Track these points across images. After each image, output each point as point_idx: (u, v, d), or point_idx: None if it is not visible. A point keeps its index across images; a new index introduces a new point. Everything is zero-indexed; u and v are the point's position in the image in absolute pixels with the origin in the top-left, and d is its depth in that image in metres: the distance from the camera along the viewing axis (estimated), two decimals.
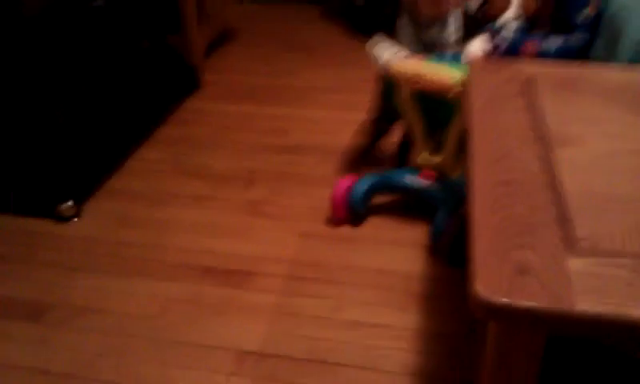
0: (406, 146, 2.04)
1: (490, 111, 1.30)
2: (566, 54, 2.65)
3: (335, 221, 1.92)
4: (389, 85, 1.82)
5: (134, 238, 1.89)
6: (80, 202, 2.01)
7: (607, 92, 1.39)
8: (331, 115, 2.58)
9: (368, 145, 2.16)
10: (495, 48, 1.90)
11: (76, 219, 1.98)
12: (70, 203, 1.96)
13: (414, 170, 1.88)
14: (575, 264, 0.83)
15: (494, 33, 2.73)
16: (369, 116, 2.12)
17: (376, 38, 1.82)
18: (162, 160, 2.31)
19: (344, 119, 2.46)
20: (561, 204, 0.97)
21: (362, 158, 2.19)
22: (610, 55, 2.56)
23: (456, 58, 1.79)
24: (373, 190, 1.91)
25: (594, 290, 0.79)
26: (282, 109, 2.69)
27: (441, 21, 1.81)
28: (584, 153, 1.12)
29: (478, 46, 1.84)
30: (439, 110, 1.78)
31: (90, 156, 2.14)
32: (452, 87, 1.64)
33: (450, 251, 1.70)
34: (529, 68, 1.48)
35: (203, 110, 2.69)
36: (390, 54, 1.76)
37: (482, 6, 2.99)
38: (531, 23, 2.93)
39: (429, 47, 1.82)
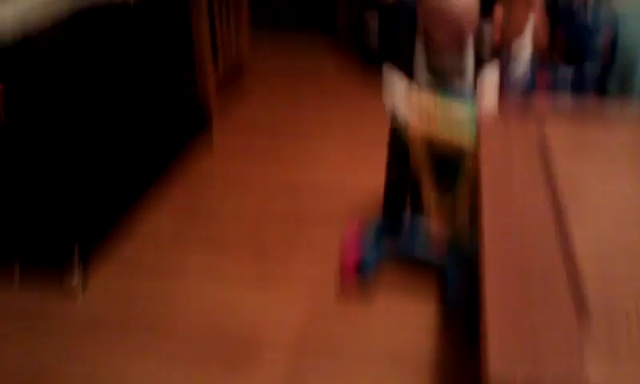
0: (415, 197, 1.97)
1: (502, 178, 1.22)
2: (580, 84, 2.62)
3: (345, 291, 1.86)
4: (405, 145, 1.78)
5: (140, 313, 1.81)
6: (86, 269, 1.94)
7: (623, 157, 1.32)
8: (341, 151, 2.56)
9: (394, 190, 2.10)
10: (509, 80, 1.86)
11: (81, 295, 1.89)
12: (76, 279, 1.89)
13: (424, 238, 1.83)
14: (589, 343, 0.80)
15: (509, 61, 2.71)
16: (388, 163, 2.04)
17: (387, 71, 1.77)
18: (170, 228, 2.21)
19: (355, 155, 2.44)
20: (579, 293, 0.92)
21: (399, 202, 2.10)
22: (625, 86, 2.52)
23: (468, 97, 1.75)
24: (382, 259, 1.88)
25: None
26: (291, 145, 2.67)
27: (456, 50, 1.77)
28: (605, 229, 1.06)
29: (489, 76, 1.79)
30: (453, 173, 1.73)
31: (94, 217, 2.06)
32: (466, 150, 1.60)
33: (467, 323, 1.65)
34: (539, 130, 1.40)
35: (211, 151, 2.67)
36: (400, 92, 1.72)
37: (495, 34, 2.96)
38: (544, 52, 2.90)
39: (443, 76, 1.78)
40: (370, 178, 2.18)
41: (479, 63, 1.80)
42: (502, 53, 2.74)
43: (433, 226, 1.81)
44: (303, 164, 2.52)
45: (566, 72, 2.61)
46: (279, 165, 2.52)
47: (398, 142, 1.81)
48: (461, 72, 1.78)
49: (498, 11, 2.94)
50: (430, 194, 1.79)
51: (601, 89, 2.68)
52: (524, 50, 2.79)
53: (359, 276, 1.83)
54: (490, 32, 2.94)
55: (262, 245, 2.06)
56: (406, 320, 1.74)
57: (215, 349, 1.67)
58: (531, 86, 2.62)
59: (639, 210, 1.12)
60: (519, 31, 2.83)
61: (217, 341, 1.70)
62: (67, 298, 1.86)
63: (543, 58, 2.87)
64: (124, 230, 2.14)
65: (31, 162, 1.90)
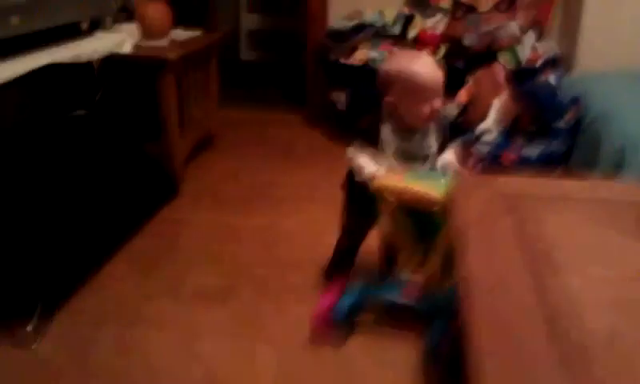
0: (389, 257, 1.97)
1: (478, 234, 1.25)
2: (546, 161, 2.67)
3: (318, 340, 1.82)
4: (367, 196, 1.78)
5: (98, 366, 1.76)
6: (40, 323, 1.88)
7: (594, 210, 1.36)
8: (313, 226, 2.53)
9: (345, 258, 2.09)
10: (475, 156, 1.87)
11: (35, 345, 1.83)
12: (29, 329, 1.83)
13: (397, 285, 1.80)
14: None
15: (474, 141, 2.75)
16: (342, 224, 2.05)
17: (354, 147, 1.79)
18: (131, 277, 2.19)
19: (326, 230, 2.40)
20: (560, 345, 0.90)
21: (342, 268, 2.11)
22: (590, 162, 2.57)
23: (435, 172, 1.77)
24: (356, 308, 1.83)
25: None
26: (262, 219, 2.64)
27: (423, 130, 1.79)
28: (580, 283, 1.07)
29: (450, 156, 1.82)
30: (424, 224, 1.73)
31: (54, 272, 2.01)
32: (437, 201, 1.61)
33: (449, 369, 1.60)
34: (512, 185, 1.45)
35: (179, 220, 2.62)
36: (371, 166, 1.73)
37: (460, 113, 3.04)
38: (510, 130, 2.96)
39: (410, 157, 1.79)
40: None
41: (445, 143, 1.83)
42: (467, 133, 2.80)
43: (407, 274, 1.80)
44: (276, 239, 2.48)
45: (532, 150, 2.66)
46: (248, 236, 2.49)
47: (359, 200, 1.82)
48: (429, 155, 1.81)
49: (463, 93, 3.03)
50: (401, 242, 1.78)
51: (565, 167, 2.73)
52: (488, 130, 2.85)
53: (334, 322, 1.81)
54: (456, 110, 3.01)
55: (232, 317, 1.98)
56: (386, 368, 1.73)
57: None
58: (497, 164, 2.66)
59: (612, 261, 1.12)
60: (484, 112, 2.91)
61: None
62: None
63: (510, 134, 2.93)
64: (82, 281, 2.11)
65: None
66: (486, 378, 0.82)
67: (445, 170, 1.76)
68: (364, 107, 2.11)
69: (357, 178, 1.76)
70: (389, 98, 1.75)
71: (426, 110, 1.71)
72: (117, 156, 2.64)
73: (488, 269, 1.11)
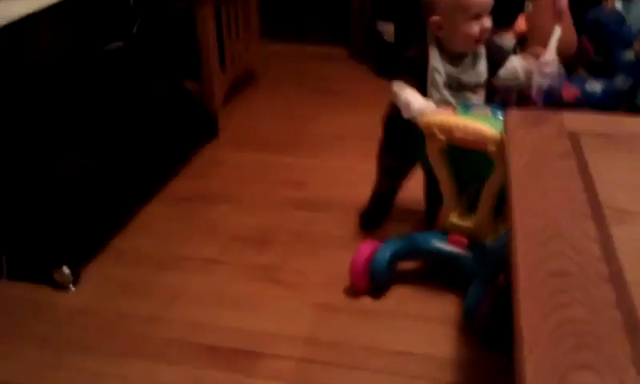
0: (433, 203, 1.85)
1: (532, 176, 1.12)
2: (610, 99, 2.46)
3: (356, 291, 1.74)
4: (414, 134, 1.65)
5: (134, 310, 1.73)
6: (78, 266, 1.85)
7: None
8: (354, 165, 2.40)
9: (385, 198, 1.98)
10: (535, 91, 1.72)
11: (73, 287, 1.82)
12: (66, 270, 1.80)
13: (442, 233, 1.69)
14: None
15: (532, 76, 2.56)
16: (380, 165, 1.94)
17: (400, 81, 1.66)
18: (170, 218, 2.15)
19: (368, 170, 2.29)
20: (627, 304, 0.78)
21: (380, 214, 2.00)
22: None
23: (490, 107, 1.62)
24: (397, 258, 1.73)
25: None
26: (302, 159, 2.54)
27: (473, 55, 1.68)
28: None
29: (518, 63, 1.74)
30: (474, 166, 1.60)
31: (92, 213, 1.98)
32: (491, 140, 1.47)
33: (487, 331, 1.49)
34: (573, 123, 1.30)
35: (218, 161, 2.54)
36: (419, 101, 1.60)
37: (518, 43, 2.83)
38: (572, 62, 2.75)
39: (461, 85, 1.68)
40: None
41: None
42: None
43: (452, 220, 1.68)
44: (314, 178, 2.38)
45: (594, 86, 2.46)
46: (288, 180, 2.39)
47: (401, 139, 1.72)
48: (478, 84, 1.69)
49: (522, 22, 2.81)
50: (448, 186, 1.66)
51: (631, 105, 2.53)
52: (550, 62, 2.64)
53: (372, 275, 1.72)
54: (511, 43, 2.80)
55: (268, 264, 1.91)
56: (424, 324, 1.65)
57: (212, 347, 1.59)
58: (557, 100, 2.47)
59: None
60: (544, 42, 2.69)
61: (214, 338, 1.62)
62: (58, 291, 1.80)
63: (570, 71, 2.72)
64: (122, 222, 2.08)
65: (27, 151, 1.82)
66: (536, 350, 0.71)
67: (514, 74, 1.70)
68: (414, 38, 1.98)
69: (404, 114, 1.63)
70: (434, 18, 1.62)
71: (475, 29, 1.60)
72: (154, 92, 2.57)
73: (544, 217, 0.98)
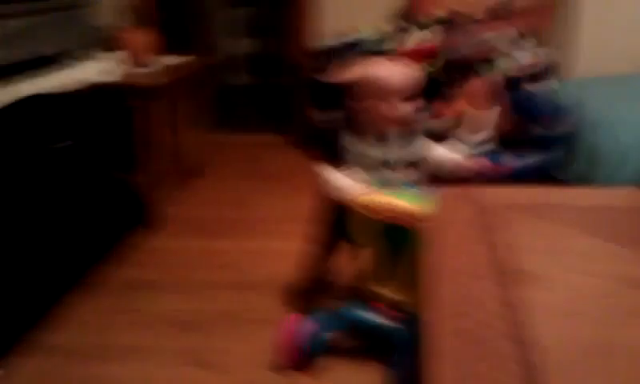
0: (361, 277, 1.90)
1: (447, 244, 1.18)
2: (542, 172, 2.59)
3: (283, 367, 1.72)
4: (341, 215, 1.71)
5: None
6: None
7: (571, 218, 1.28)
8: (289, 248, 2.43)
9: (313, 277, 2.01)
10: (471, 169, 1.81)
11: None
12: None
13: (372, 306, 1.70)
14: None
15: (468, 155, 2.67)
16: (312, 245, 1.96)
17: (325, 166, 1.72)
18: (99, 307, 2.09)
19: (300, 250, 2.35)
20: (527, 360, 0.83)
21: (308, 292, 2.01)
22: (588, 174, 2.49)
23: (413, 189, 1.70)
24: (324, 330, 1.71)
25: None
26: (239, 242, 2.55)
27: (386, 138, 1.74)
28: (550, 293, 1.00)
29: (446, 153, 1.77)
30: (403, 243, 1.66)
31: (19, 303, 1.92)
32: (421, 218, 1.53)
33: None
34: (492, 198, 1.38)
35: (152, 249, 2.52)
36: (343, 181, 1.67)
37: (455, 125, 2.96)
38: (505, 140, 2.89)
39: (377, 166, 1.73)
40: None
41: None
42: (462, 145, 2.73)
43: (381, 292, 1.70)
44: (246, 260, 2.40)
45: (528, 160, 2.58)
46: (219, 264, 2.39)
47: (333, 218, 1.77)
48: (396, 164, 1.75)
49: (459, 104, 2.96)
50: (378, 262, 1.69)
51: (564, 174, 2.65)
52: (485, 141, 2.78)
53: (300, 348, 1.70)
54: (449, 124, 2.94)
55: (194, 347, 1.88)
56: None
57: None
58: (493, 176, 2.58)
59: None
60: (479, 123, 2.84)
61: None
62: None
63: (503, 148, 2.86)
64: (46, 314, 2.01)
65: None
66: None
67: (447, 166, 1.72)
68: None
69: (333, 197, 1.70)
70: (356, 102, 1.71)
71: (392, 111, 1.67)
72: (87, 185, 2.57)
73: (451, 282, 1.04)
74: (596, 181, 2.36)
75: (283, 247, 2.46)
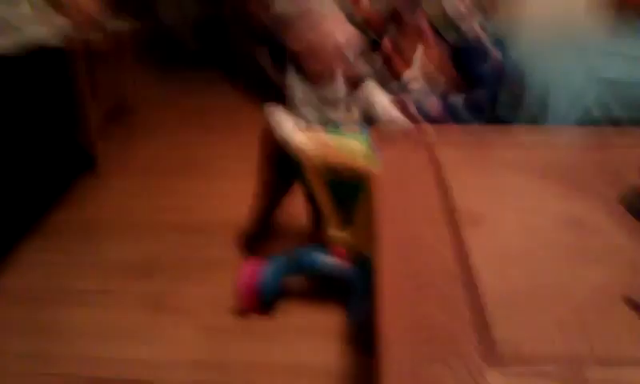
0: (316, 221, 1.92)
1: (396, 188, 1.20)
2: (472, 110, 2.64)
3: (242, 310, 1.76)
4: (287, 155, 1.71)
5: (15, 348, 1.64)
6: None
7: (513, 159, 1.33)
8: (236, 187, 2.43)
9: (265, 217, 2.02)
10: (402, 108, 1.81)
11: None
12: None
13: (325, 248, 1.75)
14: (495, 378, 0.73)
15: (398, 92, 2.70)
16: (259, 185, 1.98)
17: (270, 107, 1.71)
18: (50, 251, 2.07)
19: (250, 191, 2.33)
20: (476, 302, 0.86)
21: (261, 233, 2.04)
22: (515, 110, 2.56)
23: (357, 132, 1.70)
24: (281, 274, 1.76)
25: None
26: (185, 183, 2.53)
27: (329, 78, 1.74)
28: (498, 234, 1.04)
29: (384, 100, 1.75)
30: (349, 184, 1.67)
31: None
32: (360, 161, 1.54)
33: (368, 338, 1.56)
34: (432, 137, 1.41)
35: (98, 191, 2.49)
36: (289, 126, 1.65)
37: (384, 64, 2.97)
38: (431, 81, 2.92)
39: (322, 101, 1.74)
40: None
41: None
42: (392, 83, 2.74)
43: (333, 235, 1.74)
44: (196, 202, 2.39)
45: (458, 98, 2.63)
46: (172, 206, 2.37)
47: (278, 159, 1.76)
48: (338, 102, 1.75)
49: (387, 43, 2.96)
50: (326, 202, 1.72)
51: (493, 116, 2.72)
52: (414, 79, 2.81)
53: (258, 293, 1.74)
54: (379, 61, 2.94)
55: (154, 292, 1.88)
56: (310, 337, 1.68)
57: (97, 379, 1.55)
58: (424, 115, 2.62)
59: (532, 221, 1.08)
60: (408, 62, 2.85)
61: (99, 370, 1.58)
62: None
63: (435, 85, 2.89)
64: None
65: None
66: (393, 344, 0.78)
67: (385, 116, 1.69)
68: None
69: (277, 137, 1.68)
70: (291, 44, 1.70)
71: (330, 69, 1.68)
72: (27, 127, 2.48)
73: (404, 225, 1.07)
74: (524, 117, 2.43)
75: (231, 187, 2.48)
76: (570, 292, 0.88)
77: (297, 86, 1.71)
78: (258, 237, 2.02)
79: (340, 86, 1.75)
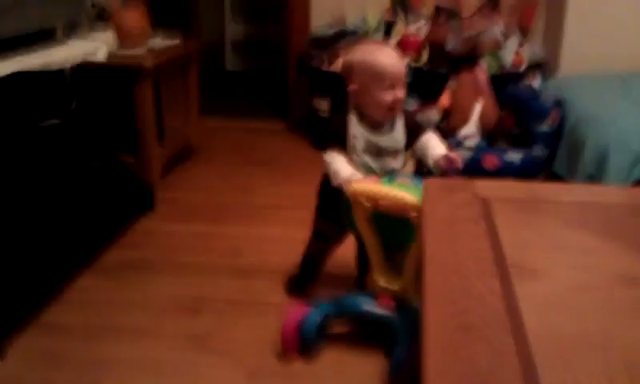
0: (364, 268, 1.92)
1: (445, 239, 1.19)
2: (529, 166, 2.62)
3: (285, 353, 1.76)
4: (343, 201, 1.72)
5: (63, 381, 1.68)
6: (3, 338, 1.80)
7: (569, 215, 1.30)
8: (289, 234, 2.46)
9: (314, 263, 2.03)
10: (456, 162, 1.82)
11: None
12: None
13: (370, 295, 1.74)
14: None
15: (456, 146, 2.70)
16: (312, 230, 1.99)
17: (330, 151, 1.73)
18: (103, 289, 2.13)
19: (302, 238, 2.34)
20: (525, 353, 0.84)
21: (308, 279, 2.05)
22: (572, 169, 2.52)
23: (414, 180, 1.71)
24: (327, 320, 1.76)
25: None
26: (237, 228, 2.57)
27: (390, 123, 1.77)
28: (549, 288, 1.01)
29: (433, 136, 1.79)
30: (399, 232, 1.67)
31: (21, 285, 1.95)
32: (413, 206, 1.55)
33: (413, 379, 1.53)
34: (486, 190, 1.39)
35: (154, 232, 2.55)
36: (347, 170, 1.67)
37: (442, 118, 2.99)
38: (492, 135, 2.92)
39: (380, 151, 1.76)
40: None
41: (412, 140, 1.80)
42: (448, 138, 2.75)
43: (379, 283, 1.74)
44: (249, 247, 2.42)
45: (513, 156, 2.61)
46: (223, 249, 2.41)
47: (333, 206, 1.77)
48: (396, 151, 1.77)
49: (445, 98, 2.98)
50: (375, 251, 1.73)
51: (548, 172, 2.68)
52: (471, 135, 2.80)
53: (302, 337, 1.74)
54: (436, 117, 2.96)
55: (201, 333, 1.90)
56: (351, 379, 1.68)
57: None
58: (479, 170, 2.60)
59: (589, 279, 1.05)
60: (466, 117, 2.86)
61: None
62: None
63: (491, 143, 2.88)
64: (50, 295, 2.04)
65: None
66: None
67: (438, 163, 1.72)
68: (337, 109, 2.08)
69: (333, 183, 1.71)
70: (352, 87, 1.73)
71: (387, 98, 1.69)
72: (91, 167, 2.58)
73: (453, 277, 1.05)
74: (581, 175, 2.39)
75: (282, 233, 2.52)
76: (621, 344, 0.85)
77: (358, 134, 1.74)
78: (305, 281, 2.03)
79: (400, 135, 1.77)
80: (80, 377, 1.70)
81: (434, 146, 1.76)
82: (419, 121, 1.89)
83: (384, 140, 1.75)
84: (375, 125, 1.75)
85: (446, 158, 1.70)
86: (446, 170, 1.72)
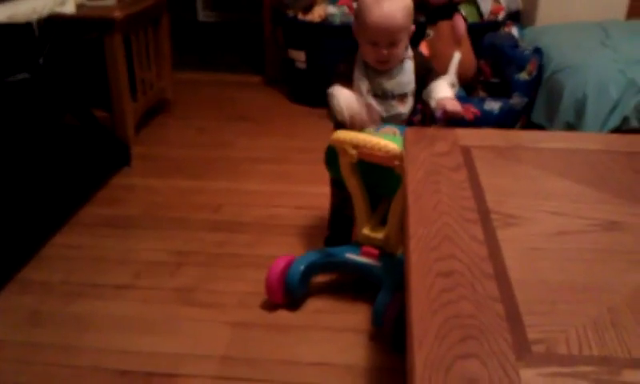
0: (346, 218, 1.92)
1: (428, 187, 1.20)
2: (507, 117, 2.62)
3: (271, 307, 1.77)
4: (330, 149, 1.71)
5: (44, 340, 1.67)
6: None
7: (549, 162, 1.31)
8: (268, 188, 2.45)
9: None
10: (436, 113, 1.80)
11: None
12: None
13: (355, 246, 1.75)
14: (530, 377, 0.71)
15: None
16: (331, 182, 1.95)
17: (333, 87, 1.69)
18: (82, 245, 2.10)
19: (281, 192, 2.34)
20: (509, 299, 0.85)
21: (342, 233, 2.00)
22: (550, 118, 2.53)
23: (400, 130, 1.69)
24: (311, 270, 1.77)
25: None
26: (217, 183, 2.55)
27: (397, 67, 1.72)
28: (531, 234, 1.02)
29: (447, 93, 1.72)
30: (384, 180, 1.67)
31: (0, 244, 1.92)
32: (396, 156, 1.54)
33: (394, 336, 1.55)
34: (466, 139, 1.40)
35: (131, 188, 2.51)
36: (346, 100, 1.63)
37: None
38: (469, 86, 2.91)
39: (386, 94, 1.73)
40: (298, 215, 2.20)
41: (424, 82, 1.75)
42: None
43: (364, 232, 1.75)
44: (229, 201, 2.40)
45: (492, 105, 2.61)
46: (203, 204, 2.39)
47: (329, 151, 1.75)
48: (404, 94, 1.73)
49: (423, 47, 2.95)
50: (360, 200, 1.73)
51: (527, 121, 2.69)
52: (450, 83, 2.78)
53: (287, 287, 1.75)
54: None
55: (182, 287, 1.90)
56: (337, 333, 1.69)
57: (125, 372, 1.56)
58: (458, 120, 2.59)
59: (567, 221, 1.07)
60: (444, 66, 2.84)
61: (127, 363, 1.59)
62: None
63: (470, 92, 2.88)
64: (30, 253, 2.02)
65: None
66: (425, 341, 0.77)
67: (443, 106, 1.67)
68: (324, 65, 2.04)
69: (336, 117, 1.66)
70: (353, 29, 1.71)
71: (370, 53, 1.66)
72: (64, 123, 2.53)
73: (436, 224, 1.05)
74: (560, 123, 2.40)
75: (261, 187, 2.50)
76: (606, 293, 0.86)
77: (362, 75, 1.71)
78: (340, 240, 1.94)
79: (407, 79, 1.73)
80: (61, 335, 1.69)
81: (439, 92, 1.70)
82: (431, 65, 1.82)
83: (389, 83, 1.71)
84: (377, 69, 1.71)
85: (441, 107, 1.66)
86: (441, 119, 1.71)
